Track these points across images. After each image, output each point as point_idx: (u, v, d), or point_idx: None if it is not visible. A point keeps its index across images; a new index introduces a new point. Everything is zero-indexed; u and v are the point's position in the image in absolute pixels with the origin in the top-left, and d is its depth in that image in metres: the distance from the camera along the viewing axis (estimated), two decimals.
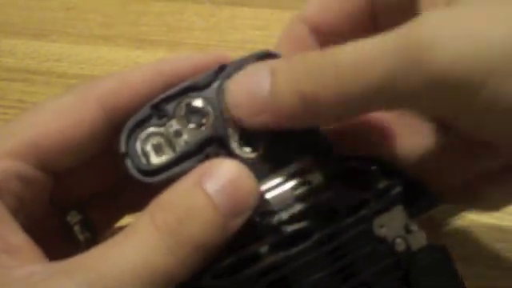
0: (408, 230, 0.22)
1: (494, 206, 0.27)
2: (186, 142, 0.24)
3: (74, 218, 0.27)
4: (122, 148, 0.23)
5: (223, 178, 0.21)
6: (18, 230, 0.22)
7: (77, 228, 0.27)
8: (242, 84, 0.23)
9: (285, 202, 0.23)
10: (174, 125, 0.24)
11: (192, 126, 0.24)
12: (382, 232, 0.22)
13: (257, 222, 0.22)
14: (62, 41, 0.53)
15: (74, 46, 0.52)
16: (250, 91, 0.22)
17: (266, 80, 0.22)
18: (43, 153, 0.23)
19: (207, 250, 0.20)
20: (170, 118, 0.24)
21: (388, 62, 0.20)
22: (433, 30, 0.20)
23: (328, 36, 0.27)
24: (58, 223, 0.26)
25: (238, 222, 0.21)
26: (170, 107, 0.24)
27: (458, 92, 0.20)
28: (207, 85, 0.24)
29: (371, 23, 0.27)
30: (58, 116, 0.24)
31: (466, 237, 0.31)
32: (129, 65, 0.50)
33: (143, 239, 0.20)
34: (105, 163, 0.26)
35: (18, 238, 0.22)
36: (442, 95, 0.20)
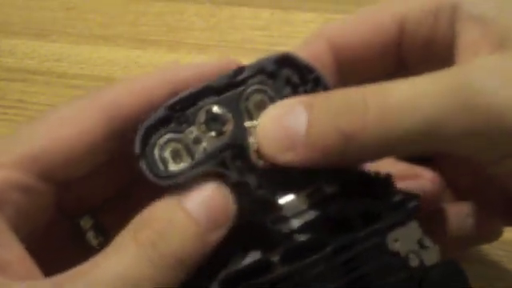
0: (422, 246, 0.22)
1: None
2: (205, 150, 0.23)
3: (87, 223, 0.27)
4: (137, 149, 0.23)
5: (201, 194, 0.22)
6: (13, 243, 0.22)
7: (90, 233, 0.27)
8: (276, 118, 0.23)
9: (298, 208, 0.22)
10: (194, 131, 0.23)
11: (212, 133, 0.23)
12: (396, 246, 0.22)
13: (268, 228, 0.22)
14: (62, 41, 0.53)
15: (74, 46, 0.52)
16: (285, 125, 0.22)
17: (301, 115, 0.22)
18: (44, 163, 0.23)
19: (188, 263, 0.21)
20: (190, 124, 0.23)
21: (437, 104, 0.21)
22: (483, 76, 0.21)
23: (347, 59, 0.27)
24: (67, 229, 0.26)
25: (218, 235, 0.22)
26: (189, 113, 0.24)
27: (504, 139, 0.21)
28: (224, 87, 0.24)
29: (395, 57, 0.27)
30: (60, 126, 0.24)
31: None
32: (129, 65, 0.50)
33: (124, 253, 0.20)
34: (116, 169, 0.26)
35: (11, 253, 0.21)
36: (491, 138, 0.21)
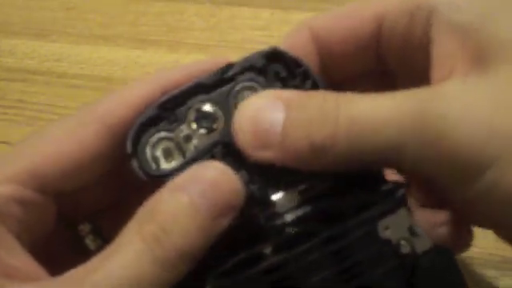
0: (413, 233, 0.22)
1: None
2: (195, 147, 0.23)
3: (85, 227, 0.27)
4: (129, 149, 0.23)
5: (205, 181, 0.21)
6: (19, 251, 0.22)
7: (89, 237, 0.27)
8: (252, 114, 0.23)
9: (290, 204, 0.22)
10: (185, 130, 0.24)
11: (202, 131, 0.24)
12: (387, 234, 0.22)
13: (262, 224, 0.22)
14: (62, 41, 0.53)
15: (73, 46, 0.52)
16: (261, 124, 0.22)
17: (278, 115, 0.22)
18: (42, 177, 0.23)
19: (192, 254, 0.21)
20: (180, 122, 0.24)
21: (399, 129, 0.21)
22: (448, 107, 0.21)
23: (329, 51, 0.27)
24: (66, 235, 0.26)
25: (223, 223, 0.21)
26: (179, 112, 0.24)
27: (463, 169, 0.21)
28: (214, 85, 0.24)
29: (375, 52, 0.27)
30: (57, 140, 0.24)
31: None
32: (129, 65, 0.50)
33: (131, 250, 0.20)
34: (115, 175, 0.26)
35: (18, 259, 0.22)
36: (446, 169, 0.21)
